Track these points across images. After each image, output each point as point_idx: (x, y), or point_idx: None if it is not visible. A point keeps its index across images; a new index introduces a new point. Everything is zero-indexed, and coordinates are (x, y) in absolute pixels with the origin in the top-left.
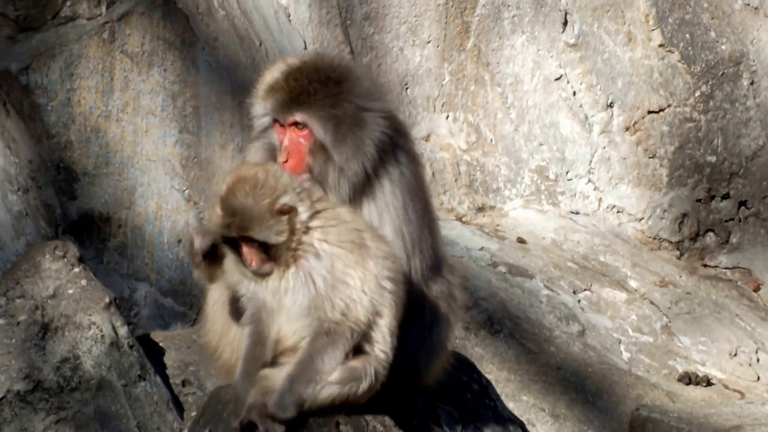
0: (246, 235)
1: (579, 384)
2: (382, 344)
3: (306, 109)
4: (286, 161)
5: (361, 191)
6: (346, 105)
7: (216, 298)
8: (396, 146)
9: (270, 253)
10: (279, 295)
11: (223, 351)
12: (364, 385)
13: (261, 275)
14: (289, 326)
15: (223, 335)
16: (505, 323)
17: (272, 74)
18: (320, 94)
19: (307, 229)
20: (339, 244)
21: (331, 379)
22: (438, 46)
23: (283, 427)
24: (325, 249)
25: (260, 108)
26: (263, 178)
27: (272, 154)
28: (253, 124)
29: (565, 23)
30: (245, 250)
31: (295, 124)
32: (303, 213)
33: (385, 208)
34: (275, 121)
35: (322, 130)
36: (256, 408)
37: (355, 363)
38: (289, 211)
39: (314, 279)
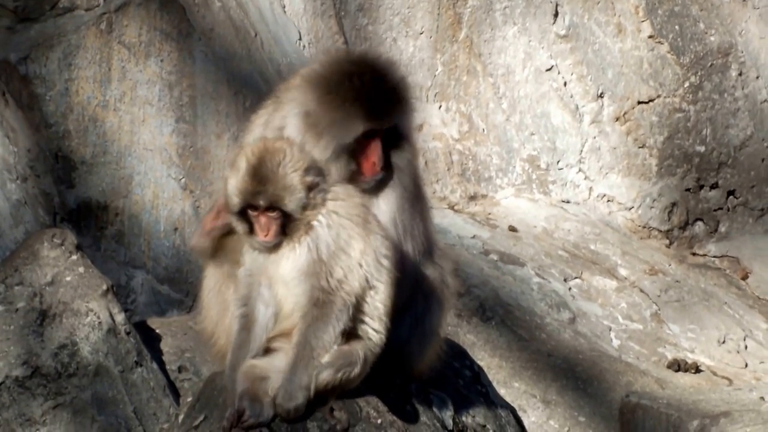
0: (275, 206)
1: (570, 371)
2: (376, 323)
3: None
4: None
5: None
6: None
7: (212, 286)
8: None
9: (288, 225)
10: (280, 262)
11: (218, 337)
12: (356, 370)
13: (270, 248)
14: (288, 300)
15: (219, 322)
16: (496, 310)
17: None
18: None
19: (323, 202)
20: (347, 216)
21: (325, 362)
22: (431, 37)
23: (270, 414)
24: (334, 220)
25: None
26: (291, 152)
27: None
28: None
29: (556, 15)
30: (264, 221)
31: None
32: (323, 188)
33: (379, 196)
34: None
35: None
36: (247, 395)
37: (348, 347)
38: (316, 185)
39: (318, 246)
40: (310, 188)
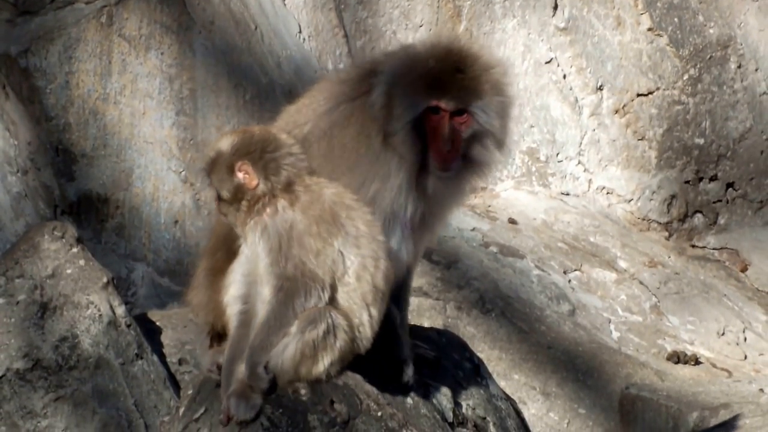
0: (207, 175)
1: (569, 363)
2: (355, 317)
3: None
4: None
5: None
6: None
7: (207, 266)
8: None
9: (220, 202)
10: (258, 262)
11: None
12: (321, 327)
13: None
14: (268, 286)
15: (207, 300)
16: (496, 303)
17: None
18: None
19: (273, 197)
20: (303, 213)
21: (290, 332)
22: (430, 30)
23: (257, 409)
24: (287, 212)
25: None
26: (256, 140)
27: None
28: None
29: (556, 7)
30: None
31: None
32: (261, 186)
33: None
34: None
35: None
36: (235, 393)
37: (311, 310)
38: (245, 175)
39: (270, 233)
40: (245, 176)
